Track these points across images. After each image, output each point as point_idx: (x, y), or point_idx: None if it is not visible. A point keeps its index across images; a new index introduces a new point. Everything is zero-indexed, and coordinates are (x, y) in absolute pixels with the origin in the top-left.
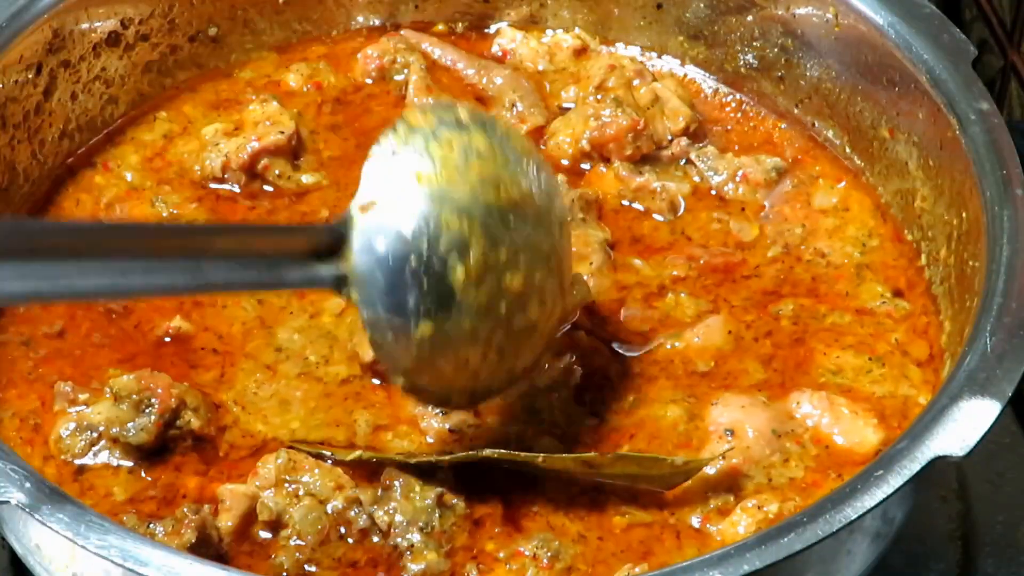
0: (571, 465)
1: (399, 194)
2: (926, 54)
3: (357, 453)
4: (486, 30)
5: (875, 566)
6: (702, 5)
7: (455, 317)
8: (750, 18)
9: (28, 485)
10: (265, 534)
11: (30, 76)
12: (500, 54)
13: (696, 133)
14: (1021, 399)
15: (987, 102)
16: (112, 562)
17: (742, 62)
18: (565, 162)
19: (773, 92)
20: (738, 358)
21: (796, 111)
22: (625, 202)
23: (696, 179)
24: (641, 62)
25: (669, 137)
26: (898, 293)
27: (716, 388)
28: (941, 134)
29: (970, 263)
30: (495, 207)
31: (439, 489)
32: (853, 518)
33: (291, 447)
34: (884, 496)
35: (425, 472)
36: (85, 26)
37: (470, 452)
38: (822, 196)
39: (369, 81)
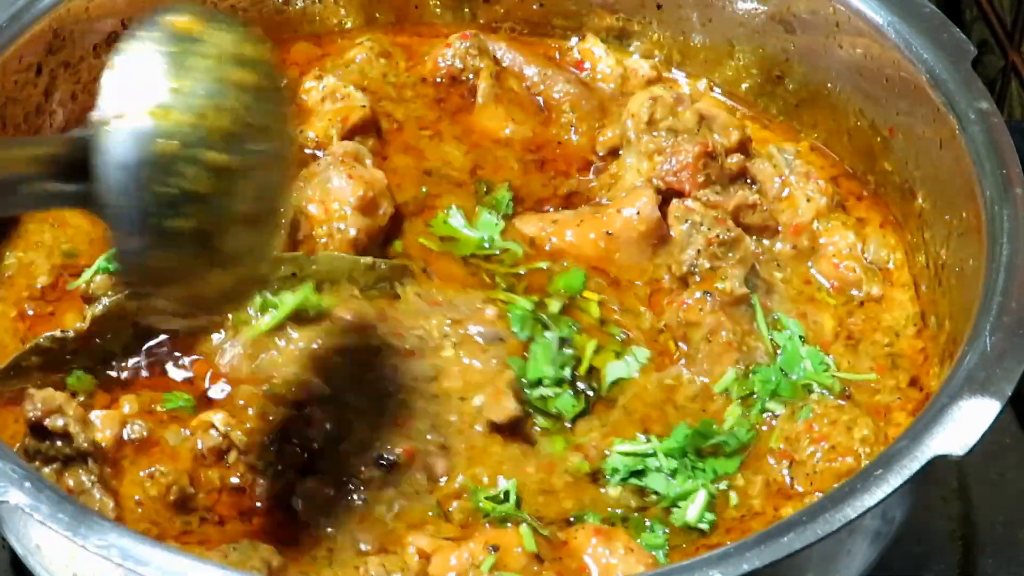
0: None
1: (145, 110)
2: (926, 54)
3: None
4: (570, 41)
5: (875, 566)
6: (700, 5)
7: (199, 226)
8: (749, 19)
9: (28, 485)
10: None
11: (30, 76)
12: (578, 63)
13: (744, 146)
14: (1021, 399)
15: (987, 102)
16: (112, 562)
17: (741, 62)
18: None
19: (772, 92)
20: None
21: (796, 110)
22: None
23: (751, 197)
24: (674, 79)
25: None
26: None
27: None
28: (941, 134)
29: (970, 262)
30: (229, 131)
31: None
32: (853, 517)
33: None
34: (884, 495)
35: None
36: (85, 26)
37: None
38: (875, 246)
39: (439, 80)
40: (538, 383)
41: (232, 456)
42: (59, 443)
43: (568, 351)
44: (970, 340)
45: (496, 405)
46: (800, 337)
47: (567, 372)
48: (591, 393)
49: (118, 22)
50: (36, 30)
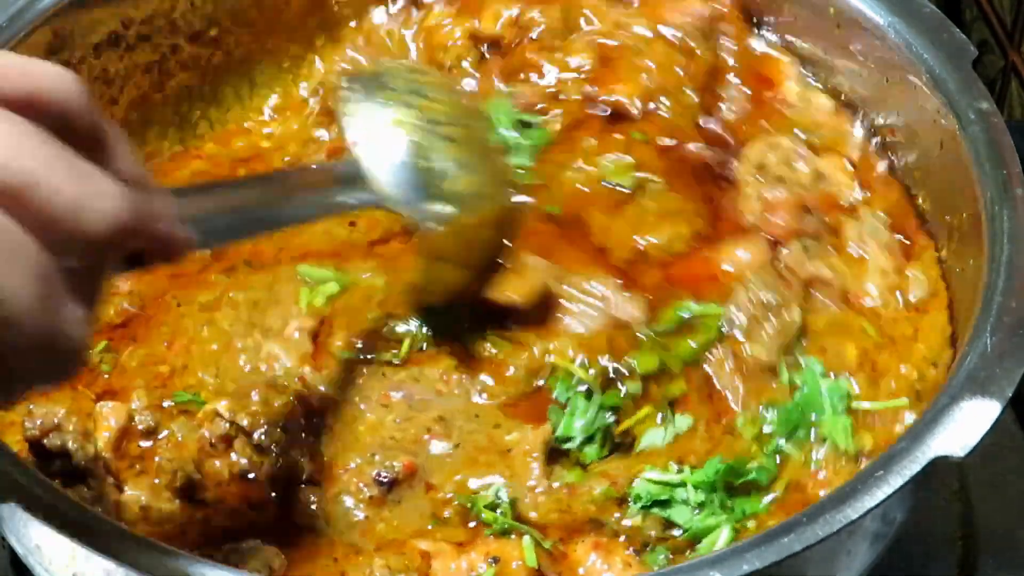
0: None
1: (386, 124)
2: (926, 54)
3: None
4: None
5: (875, 567)
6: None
7: (468, 187)
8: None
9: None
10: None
11: None
12: None
13: (854, 210)
14: (1021, 400)
15: (987, 102)
16: (112, 562)
17: None
18: None
19: None
20: None
21: None
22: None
23: (827, 274)
24: (798, 137)
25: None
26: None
27: None
28: (941, 134)
29: (970, 262)
30: (445, 112)
31: None
32: (853, 518)
33: None
34: (884, 496)
35: None
36: (85, 26)
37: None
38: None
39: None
40: (567, 439)
41: (239, 442)
42: (58, 462)
43: (611, 418)
44: (970, 340)
45: (524, 472)
46: (821, 374)
47: (600, 430)
48: (617, 442)
49: (118, 22)
50: (36, 30)
